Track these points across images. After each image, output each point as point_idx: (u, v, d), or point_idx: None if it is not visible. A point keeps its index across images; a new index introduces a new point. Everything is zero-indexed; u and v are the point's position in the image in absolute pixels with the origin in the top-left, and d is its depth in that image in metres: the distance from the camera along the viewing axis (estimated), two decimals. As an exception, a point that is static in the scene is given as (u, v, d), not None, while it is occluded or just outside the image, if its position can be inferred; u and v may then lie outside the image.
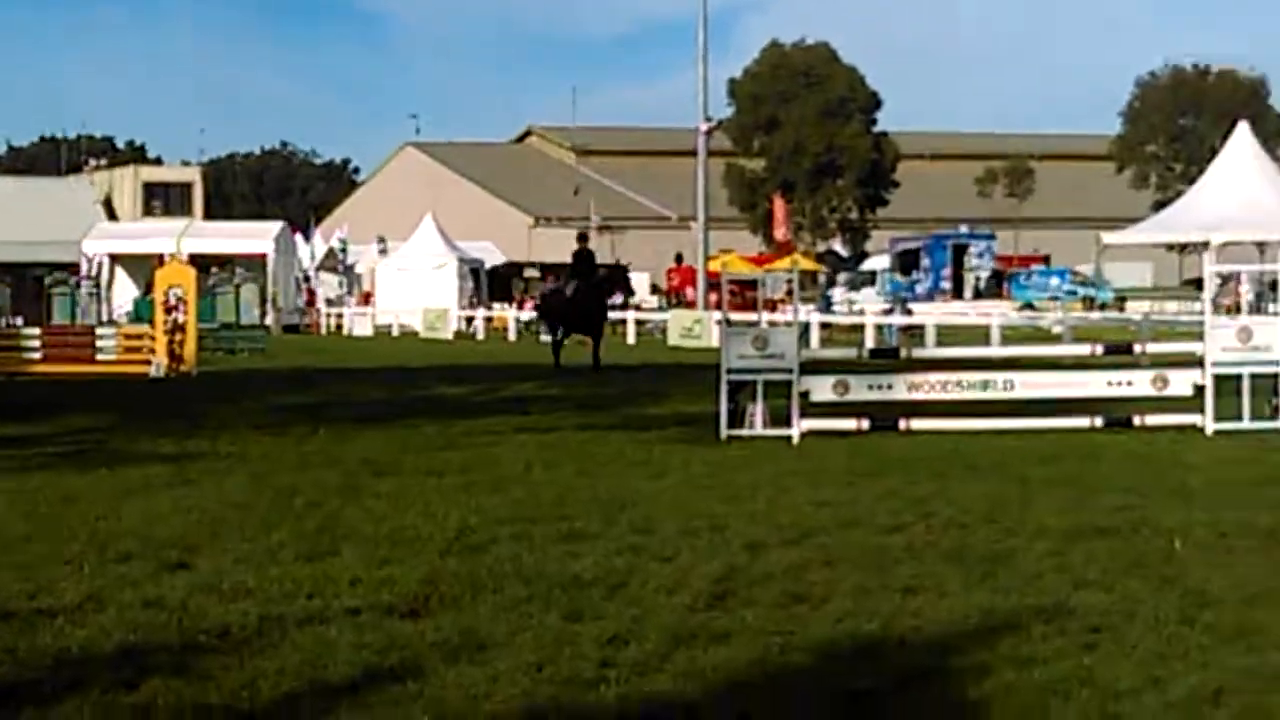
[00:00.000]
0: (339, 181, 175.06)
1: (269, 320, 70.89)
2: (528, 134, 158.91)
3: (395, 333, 68.51)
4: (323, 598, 10.16)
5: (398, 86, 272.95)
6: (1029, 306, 75.36)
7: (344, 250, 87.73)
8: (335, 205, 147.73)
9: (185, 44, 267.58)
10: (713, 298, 58.78)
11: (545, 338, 41.73)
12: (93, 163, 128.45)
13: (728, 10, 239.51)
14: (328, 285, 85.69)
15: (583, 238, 36.99)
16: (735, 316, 32.22)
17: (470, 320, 68.76)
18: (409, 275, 76.76)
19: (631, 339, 58.48)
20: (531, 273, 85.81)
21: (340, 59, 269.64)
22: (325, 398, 28.20)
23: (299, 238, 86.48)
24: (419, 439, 20.12)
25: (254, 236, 77.28)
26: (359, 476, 16.31)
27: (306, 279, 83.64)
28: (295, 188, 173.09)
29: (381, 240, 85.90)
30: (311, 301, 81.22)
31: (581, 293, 36.32)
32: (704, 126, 64.27)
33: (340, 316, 76.60)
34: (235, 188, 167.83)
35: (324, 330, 74.57)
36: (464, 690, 8.08)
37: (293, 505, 14.20)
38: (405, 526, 12.93)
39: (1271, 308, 26.43)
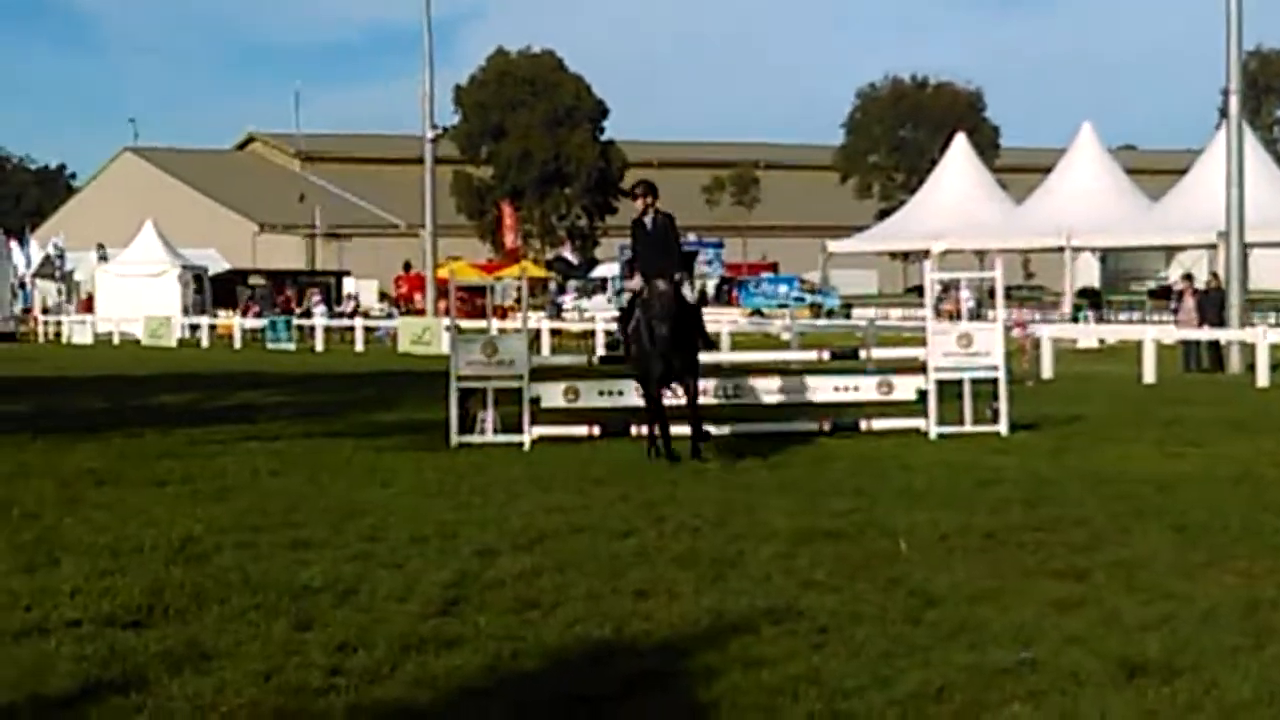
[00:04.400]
0: (55, 187, 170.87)
1: (-17, 328, 69.02)
2: (250, 140, 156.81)
3: (116, 341, 67.10)
4: (42, 609, 9.89)
5: (115, 91, 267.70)
6: (758, 313, 76.23)
7: (61, 257, 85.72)
8: (51, 212, 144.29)
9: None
10: (442, 305, 58.53)
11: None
12: None
13: (452, 17, 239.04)
14: (45, 293, 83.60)
15: (648, 188, 18.67)
16: (465, 324, 32.12)
17: (195, 328, 67.62)
18: (130, 282, 75.19)
19: (360, 346, 57.96)
20: (256, 279, 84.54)
21: (54, 61, 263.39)
22: (43, 407, 27.50)
23: (14, 245, 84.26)
24: (141, 448, 19.70)
25: (-34, 244, 75.23)
26: (79, 487, 15.92)
27: (22, 285, 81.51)
28: (9, 194, 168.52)
29: (101, 247, 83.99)
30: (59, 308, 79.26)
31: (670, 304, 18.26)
32: (430, 134, 64.03)
33: (59, 324, 74.79)
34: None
35: (42, 338, 72.79)
36: (189, 701, 7.92)
37: (9, 516, 13.81)
38: (127, 536, 12.64)
39: (990, 314, 27.02)
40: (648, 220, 18.53)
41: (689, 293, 18.90)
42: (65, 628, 9.42)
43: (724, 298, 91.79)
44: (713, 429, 19.75)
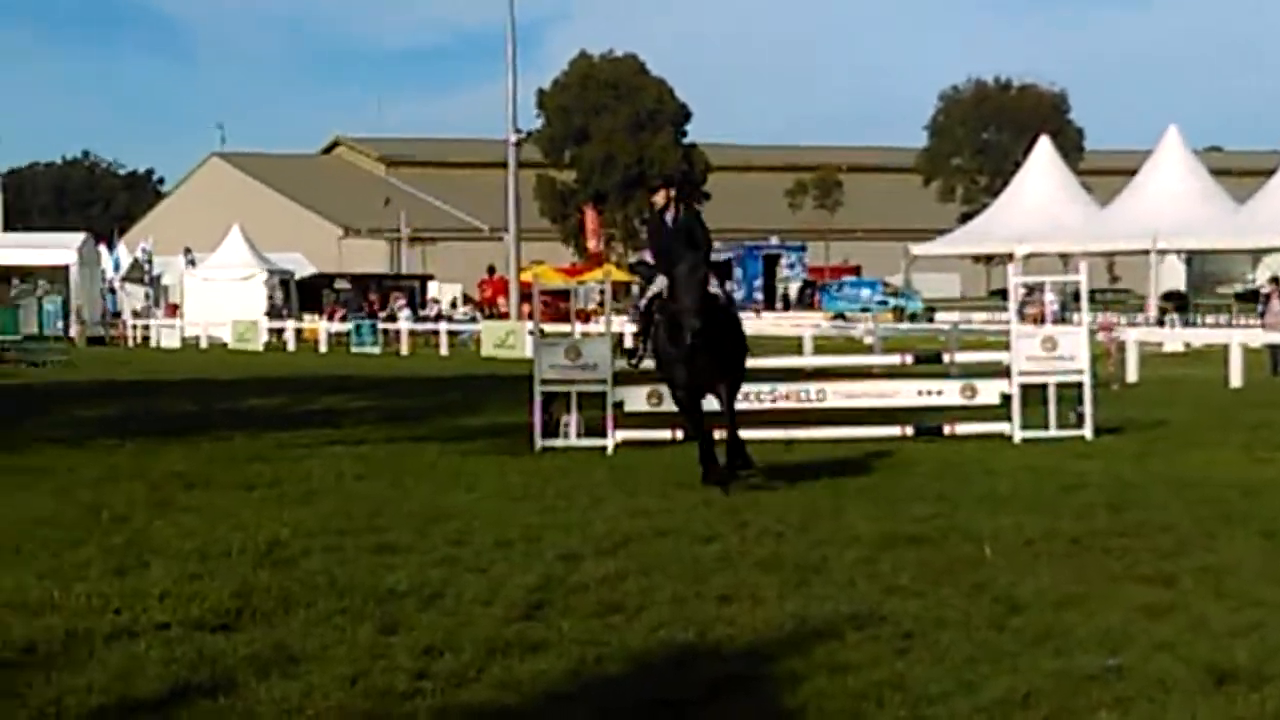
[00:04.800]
0: (143, 192, 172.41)
1: (73, 332, 69.66)
2: (335, 145, 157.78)
3: (204, 344, 67.64)
4: (131, 612, 9.99)
5: (202, 96, 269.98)
6: (840, 317, 76.08)
7: (149, 261, 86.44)
8: (140, 216, 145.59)
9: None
10: (525, 309, 58.69)
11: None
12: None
13: (535, 21, 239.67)
14: (133, 297, 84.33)
15: (669, 181, 18.12)
16: (548, 327, 32.18)
17: (280, 331, 68.08)
18: (217, 286, 75.77)
19: (445, 350, 58.20)
20: (342, 284, 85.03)
21: (142, 67, 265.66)
22: (132, 410, 27.75)
23: (103, 249, 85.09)
24: (229, 452, 19.86)
25: (56, 248, 75.89)
26: (167, 490, 16.07)
27: (111, 290, 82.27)
28: (98, 198, 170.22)
29: (188, 251, 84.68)
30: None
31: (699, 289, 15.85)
32: (513, 138, 64.22)
33: (147, 328, 75.44)
34: (36, 199, 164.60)
35: (131, 342, 73.45)
36: (277, 704, 7.98)
37: (99, 519, 13.95)
38: (215, 540, 12.75)
39: (1075, 318, 26.88)
40: (668, 217, 16.48)
41: (717, 288, 16.47)
42: (154, 630, 9.51)
43: (806, 301, 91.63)
44: (795, 432, 19.71)
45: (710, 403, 16.59)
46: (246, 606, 10.12)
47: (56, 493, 15.85)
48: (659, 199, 16.66)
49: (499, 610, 10.06)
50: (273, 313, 72.65)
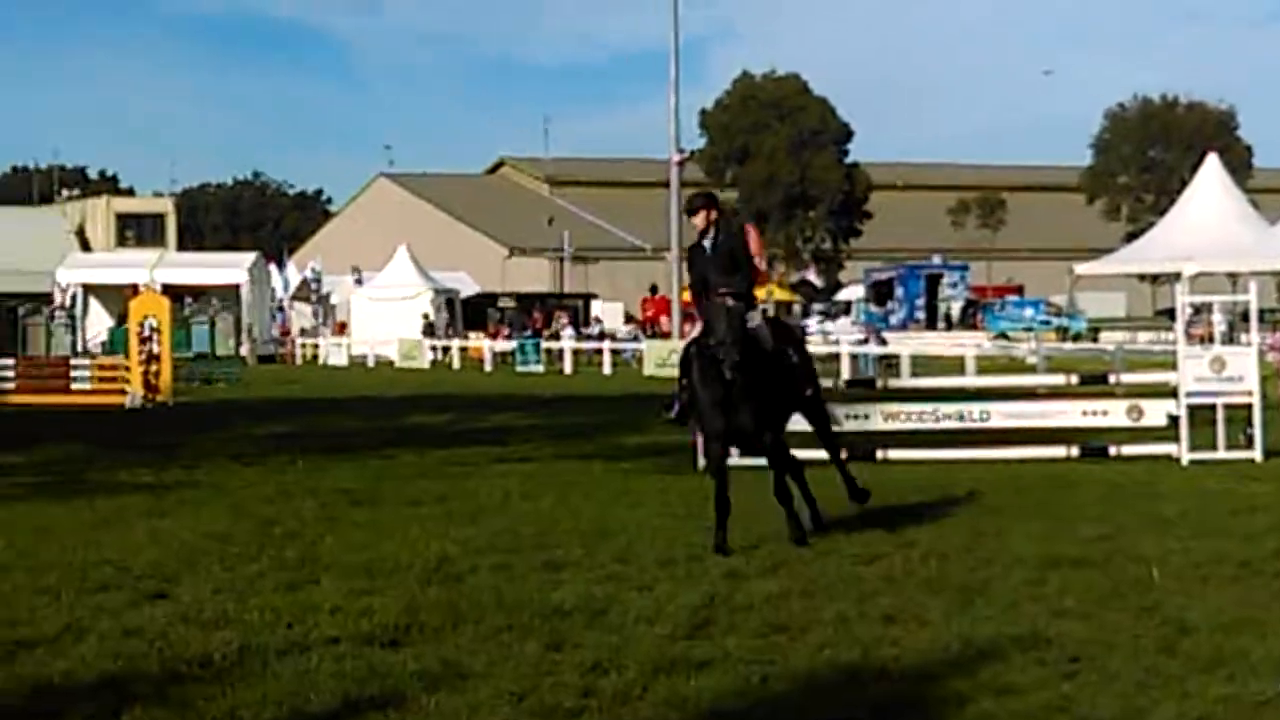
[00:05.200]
0: (312, 212, 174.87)
1: (244, 350, 70.70)
2: (500, 165, 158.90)
3: (371, 363, 68.38)
4: (303, 627, 10.18)
5: (370, 117, 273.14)
6: (1003, 336, 75.35)
7: (318, 280, 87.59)
8: (308, 236, 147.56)
9: (157, 73, 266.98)
10: (687, 328, 58.74)
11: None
12: (65, 193, 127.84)
13: (698, 41, 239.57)
14: (301, 315, 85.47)
15: (707, 200, 14.63)
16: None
17: (446, 350, 68.66)
18: (384, 305, 76.56)
19: (608, 369, 58.44)
20: (506, 303, 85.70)
21: (312, 89, 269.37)
22: (302, 428, 28.18)
23: (273, 268, 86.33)
24: (397, 469, 20.12)
25: (228, 267, 77.08)
26: (337, 506, 16.32)
27: (280, 308, 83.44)
28: (268, 218, 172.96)
29: (356, 270, 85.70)
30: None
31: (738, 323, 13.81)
32: (676, 157, 64.27)
33: (315, 347, 76.41)
34: (208, 218, 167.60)
35: (299, 360, 74.43)
36: (445, 719, 8.09)
37: (271, 535, 14.22)
38: (385, 556, 12.93)
39: (1244, 338, 26.52)
40: (707, 242, 14.34)
41: (758, 319, 14.42)
42: (325, 645, 9.68)
43: (969, 321, 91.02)
44: (958, 453, 19.58)
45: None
46: (415, 622, 10.27)
47: (230, 508, 16.16)
48: (698, 221, 14.42)
49: (664, 628, 10.12)
50: (429, 332, 73.25)
